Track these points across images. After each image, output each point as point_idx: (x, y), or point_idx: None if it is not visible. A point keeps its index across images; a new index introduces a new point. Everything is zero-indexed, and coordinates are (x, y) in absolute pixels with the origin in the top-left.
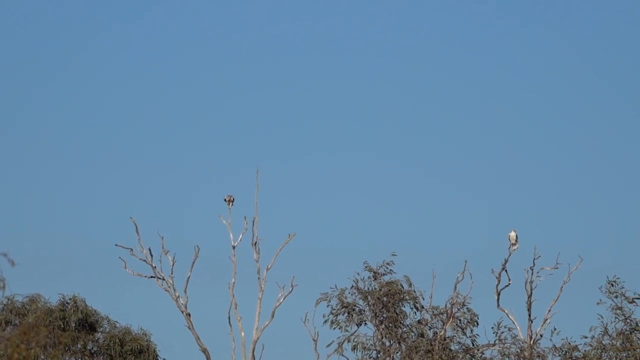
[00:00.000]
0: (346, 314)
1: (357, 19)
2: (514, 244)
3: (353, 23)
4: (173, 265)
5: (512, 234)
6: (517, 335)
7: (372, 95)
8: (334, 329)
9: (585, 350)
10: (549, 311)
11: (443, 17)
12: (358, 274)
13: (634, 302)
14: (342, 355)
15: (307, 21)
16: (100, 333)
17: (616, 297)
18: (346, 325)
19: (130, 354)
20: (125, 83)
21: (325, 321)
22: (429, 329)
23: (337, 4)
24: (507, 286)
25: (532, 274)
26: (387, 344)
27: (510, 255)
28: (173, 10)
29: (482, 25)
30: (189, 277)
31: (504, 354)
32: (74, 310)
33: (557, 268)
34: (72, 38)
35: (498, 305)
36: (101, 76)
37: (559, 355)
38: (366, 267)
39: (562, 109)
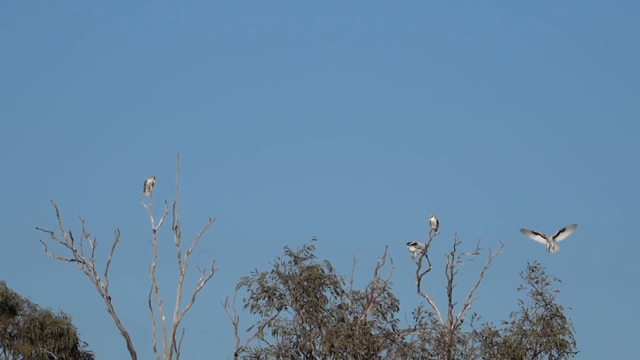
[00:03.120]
0: (267, 299)
1: (359, 8)
2: (434, 229)
3: (355, 13)
4: (94, 248)
5: (433, 219)
6: (437, 321)
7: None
8: (255, 313)
9: (505, 336)
10: (470, 296)
11: (451, 11)
12: (279, 258)
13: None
14: (263, 339)
15: (304, 12)
16: (20, 316)
17: (537, 282)
18: (267, 310)
19: (50, 337)
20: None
21: (246, 305)
22: (350, 314)
23: None
24: (427, 271)
25: (452, 260)
26: (308, 328)
27: (430, 240)
28: (170, 3)
29: (489, 18)
30: (109, 261)
31: (425, 339)
32: None
33: (477, 253)
34: (67, 32)
35: (418, 290)
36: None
37: (480, 341)
38: (287, 251)
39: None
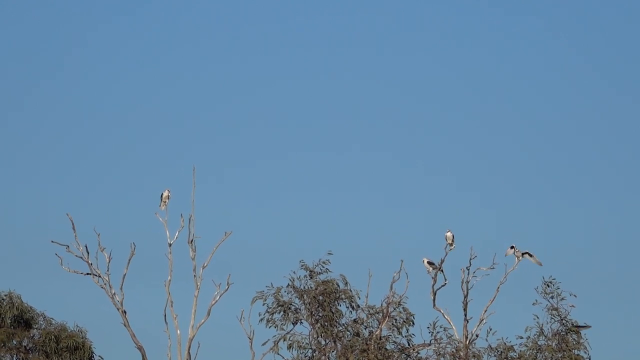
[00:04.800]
0: (282, 313)
1: (364, 16)
2: (450, 244)
3: (358, 20)
4: (109, 262)
5: (449, 234)
6: (452, 335)
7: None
8: (270, 327)
9: (520, 351)
10: (485, 311)
11: (453, 16)
12: (294, 272)
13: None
14: (278, 353)
15: (310, 18)
16: (35, 330)
17: (552, 297)
18: (282, 324)
19: (65, 351)
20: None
21: (261, 319)
22: (365, 328)
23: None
24: (443, 286)
25: (468, 274)
26: (323, 342)
27: (446, 255)
28: (169, 6)
29: (489, 24)
30: (125, 275)
31: (440, 354)
32: (9, 307)
33: (493, 268)
34: (67, 34)
35: (434, 305)
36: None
37: (495, 356)
38: (302, 265)
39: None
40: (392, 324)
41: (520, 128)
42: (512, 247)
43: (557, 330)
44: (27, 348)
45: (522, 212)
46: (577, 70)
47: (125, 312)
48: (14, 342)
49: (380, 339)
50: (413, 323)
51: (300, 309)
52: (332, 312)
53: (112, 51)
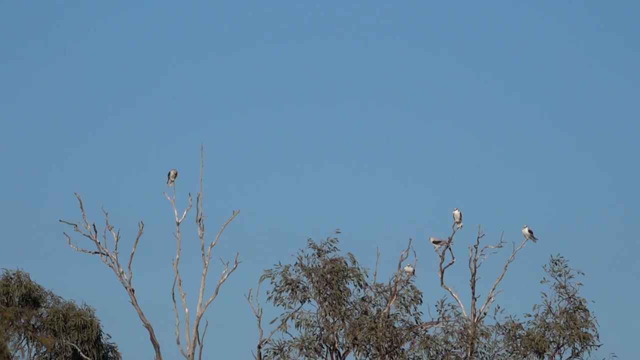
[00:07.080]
0: (290, 291)
1: (360, 3)
2: (458, 222)
3: (355, 8)
4: (117, 241)
5: (456, 212)
6: (460, 313)
7: (349, 75)
8: (278, 305)
9: (529, 329)
10: (493, 289)
11: (446, 6)
12: (302, 251)
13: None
14: (286, 331)
15: (302, 4)
16: (43, 308)
17: (559, 275)
18: (290, 302)
19: (73, 329)
20: (95, 60)
21: (269, 298)
22: (373, 307)
23: None
24: (450, 264)
25: (476, 253)
26: (331, 321)
27: (454, 233)
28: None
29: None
30: (133, 253)
31: (448, 332)
32: (17, 286)
33: (501, 247)
34: (65, 30)
35: (442, 283)
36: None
37: (503, 334)
38: (310, 244)
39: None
40: (400, 302)
41: (529, 113)
42: (529, 231)
43: (565, 308)
44: (35, 326)
45: (528, 193)
46: (583, 59)
47: (133, 291)
48: (22, 320)
49: (389, 317)
50: (421, 301)
51: (308, 287)
52: (340, 291)
53: (115, 36)
